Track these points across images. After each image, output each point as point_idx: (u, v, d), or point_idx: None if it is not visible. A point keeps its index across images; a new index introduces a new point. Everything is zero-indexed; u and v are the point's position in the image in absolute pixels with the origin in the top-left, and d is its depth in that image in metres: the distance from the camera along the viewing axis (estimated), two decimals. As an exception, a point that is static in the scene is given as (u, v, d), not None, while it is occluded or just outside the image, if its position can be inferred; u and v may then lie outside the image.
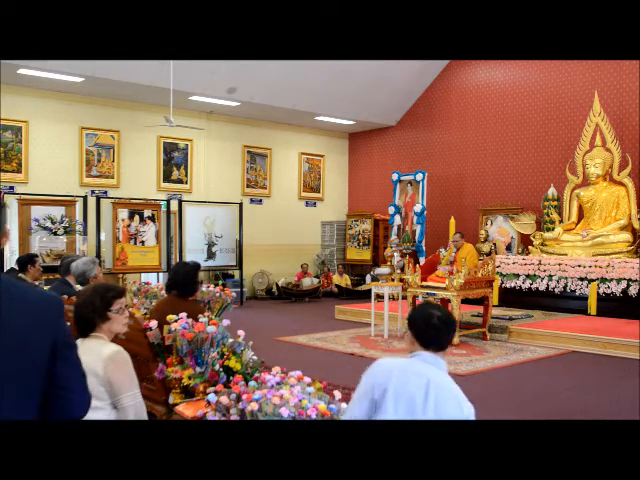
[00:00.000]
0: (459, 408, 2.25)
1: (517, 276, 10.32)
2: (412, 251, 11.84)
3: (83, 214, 10.28)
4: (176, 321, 3.50)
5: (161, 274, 10.88)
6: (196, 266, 4.16)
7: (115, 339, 2.86)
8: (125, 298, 2.92)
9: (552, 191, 11.10)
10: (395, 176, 12.79)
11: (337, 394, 2.78)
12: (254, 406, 2.65)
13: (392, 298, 9.51)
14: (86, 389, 1.83)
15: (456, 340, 7.82)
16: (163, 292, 5.28)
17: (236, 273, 12.76)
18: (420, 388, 2.20)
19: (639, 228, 10.01)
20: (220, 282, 10.10)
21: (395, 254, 9.77)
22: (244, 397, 2.74)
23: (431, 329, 2.33)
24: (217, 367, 3.40)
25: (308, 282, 13.57)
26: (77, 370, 1.75)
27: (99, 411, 2.60)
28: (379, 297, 9.12)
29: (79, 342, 2.79)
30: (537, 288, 10.07)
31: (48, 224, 9.24)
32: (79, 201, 10.17)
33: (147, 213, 10.76)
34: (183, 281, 4.04)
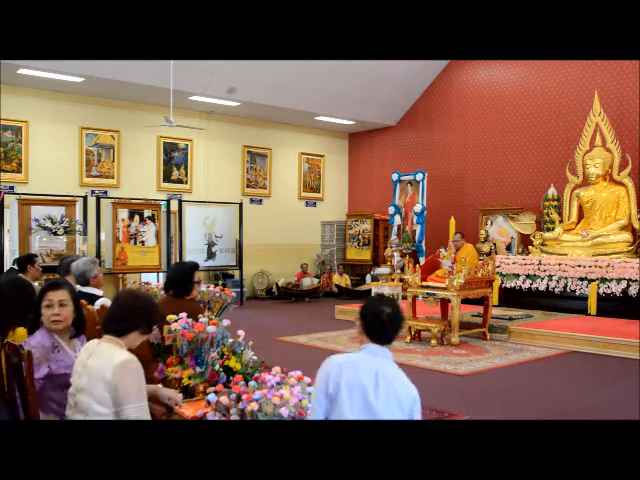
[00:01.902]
0: (405, 391, 2.42)
1: (517, 276, 10.32)
2: (412, 251, 11.83)
3: (83, 214, 10.28)
4: (176, 321, 3.50)
5: (161, 274, 10.88)
6: (193, 266, 4.15)
7: None
8: None
9: (552, 191, 11.09)
10: (395, 176, 12.79)
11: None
12: (254, 406, 2.65)
13: (392, 298, 9.50)
14: None
15: (456, 340, 7.82)
16: (163, 292, 5.28)
17: (236, 273, 12.75)
18: (370, 379, 2.36)
19: (639, 228, 10.01)
20: (220, 282, 10.13)
21: (395, 254, 9.77)
22: (244, 397, 2.74)
23: (379, 324, 2.47)
24: (217, 367, 3.40)
25: (308, 282, 13.56)
26: None
27: (101, 417, 2.54)
28: (379, 297, 9.10)
29: (94, 343, 2.74)
30: (537, 288, 10.07)
31: (48, 224, 9.23)
32: (79, 201, 10.16)
33: (147, 213, 10.76)
34: (180, 280, 4.04)
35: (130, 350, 2.75)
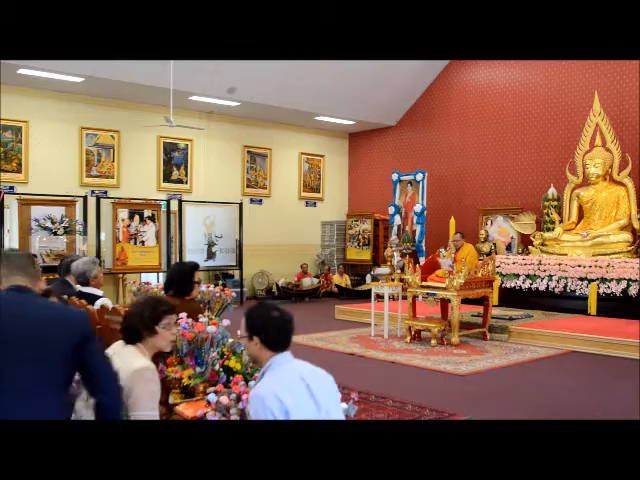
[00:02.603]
0: (327, 379, 2.41)
1: (517, 276, 10.32)
2: (412, 251, 11.83)
3: (83, 214, 10.28)
4: (176, 321, 3.49)
5: (161, 274, 10.88)
6: (193, 266, 4.16)
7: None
8: (175, 315, 2.89)
9: (552, 191, 11.10)
10: (395, 176, 12.79)
11: (337, 394, 2.78)
12: (254, 406, 2.65)
13: (392, 298, 9.51)
14: (114, 375, 2.40)
15: (456, 340, 7.82)
16: (163, 292, 5.27)
17: (236, 273, 12.75)
18: (303, 389, 2.29)
19: (639, 228, 10.01)
20: (220, 282, 10.12)
21: (395, 254, 9.77)
22: (244, 397, 2.74)
23: (279, 330, 2.38)
24: (217, 367, 3.40)
25: (308, 282, 13.56)
26: (103, 359, 2.39)
27: None
28: (379, 297, 9.11)
29: (120, 345, 2.79)
30: (537, 288, 10.07)
31: (48, 224, 9.23)
32: (79, 201, 10.16)
33: (147, 213, 10.76)
34: (180, 281, 4.04)
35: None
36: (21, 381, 2.02)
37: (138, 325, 2.74)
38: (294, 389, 2.28)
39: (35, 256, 6.34)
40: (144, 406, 2.57)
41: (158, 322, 2.76)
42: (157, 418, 2.67)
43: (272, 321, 2.39)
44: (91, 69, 9.93)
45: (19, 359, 2.04)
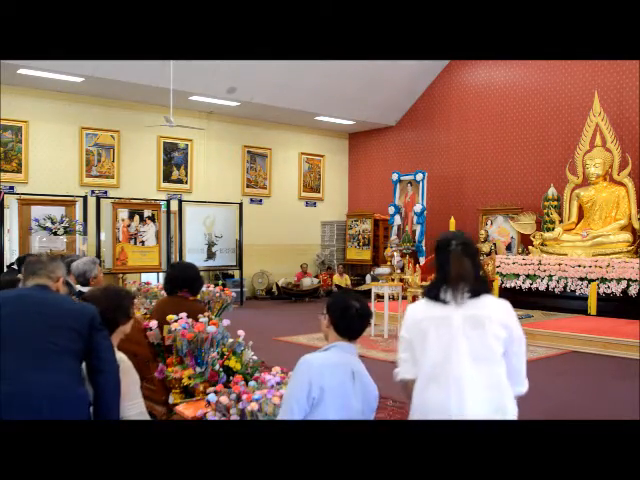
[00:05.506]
0: (374, 391, 2.48)
1: (517, 276, 10.32)
2: (412, 251, 11.83)
3: (83, 214, 10.28)
4: (176, 321, 3.49)
5: (161, 274, 10.88)
6: (195, 265, 4.19)
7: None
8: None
9: (552, 191, 11.09)
10: (395, 176, 12.78)
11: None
12: (254, 406, 2.65)
13: (392, 298, 9.51)
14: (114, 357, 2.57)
15: (456, 340, 7.81)
16: (163, 292, 5.25)
17: (236, 273, 12.75)
18: (350, 381, 2.37)
19: (639, 228, 10.00)
20: (220, 282, 10.12)
21: (395, 254, 9.76)
22: (244, 397, 2.74)
23: (348, 320, 2.49)
24: (217, 367, 3.40)
25: (308, 282, 13.55)
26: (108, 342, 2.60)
27: None
28: (379, 297, 9.11)
29: None
30: (537, 288, 10.07)
31: (48, 224, 9.23)
32: (79, 201, 10.16)
33: (147, 213, 10.76)
34: (196, 280, 3.99)
35: (129, 349, 2.79)
36: (43, 356, 2.33)
37: (117, 316, 2.75)
38: (339, 376, 2.34)
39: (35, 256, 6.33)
40: (126, 396, 2.59)
41: (132, 307, 2.85)
42: (142, 406, 2.69)
43: (342, 306, 2.51)
44: (91, 69, 9.93)
45: (40, 339, 2.37)
